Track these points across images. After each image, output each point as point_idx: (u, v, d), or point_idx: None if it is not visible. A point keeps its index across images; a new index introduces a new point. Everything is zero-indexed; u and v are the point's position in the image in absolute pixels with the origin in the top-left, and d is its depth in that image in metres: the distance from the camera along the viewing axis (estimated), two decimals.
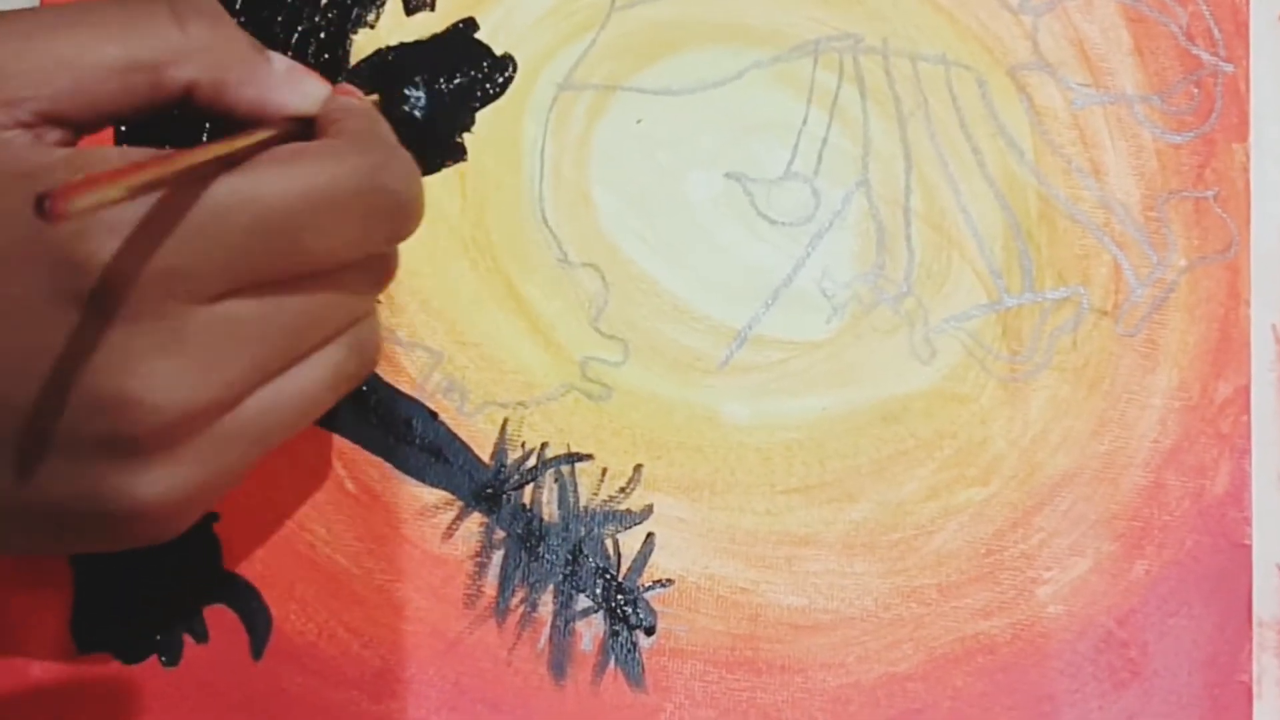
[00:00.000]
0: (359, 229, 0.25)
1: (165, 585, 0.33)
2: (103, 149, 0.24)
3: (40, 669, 0.32)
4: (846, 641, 0.34)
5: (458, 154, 0.35)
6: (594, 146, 0.36)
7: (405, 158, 0.26)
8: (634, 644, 0.33)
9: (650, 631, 0.33)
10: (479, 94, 0.36)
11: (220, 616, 0.33)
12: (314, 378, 0.26)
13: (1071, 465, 0.35)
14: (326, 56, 0.35)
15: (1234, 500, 0.35)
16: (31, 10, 0.25)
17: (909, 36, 0.37)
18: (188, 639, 0.33)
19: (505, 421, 0.34)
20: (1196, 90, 0.37)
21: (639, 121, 0.36)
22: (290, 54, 0.35)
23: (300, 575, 0.33)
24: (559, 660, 0.33)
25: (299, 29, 0.35)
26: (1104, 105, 0.37)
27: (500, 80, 0.36)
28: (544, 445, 0.34)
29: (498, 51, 0.36)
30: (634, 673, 0.33)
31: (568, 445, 0.34)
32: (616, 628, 0.33)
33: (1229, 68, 0.37)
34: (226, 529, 0.33)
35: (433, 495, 0.34)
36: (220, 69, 0.26)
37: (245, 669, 0.33)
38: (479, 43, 0.36)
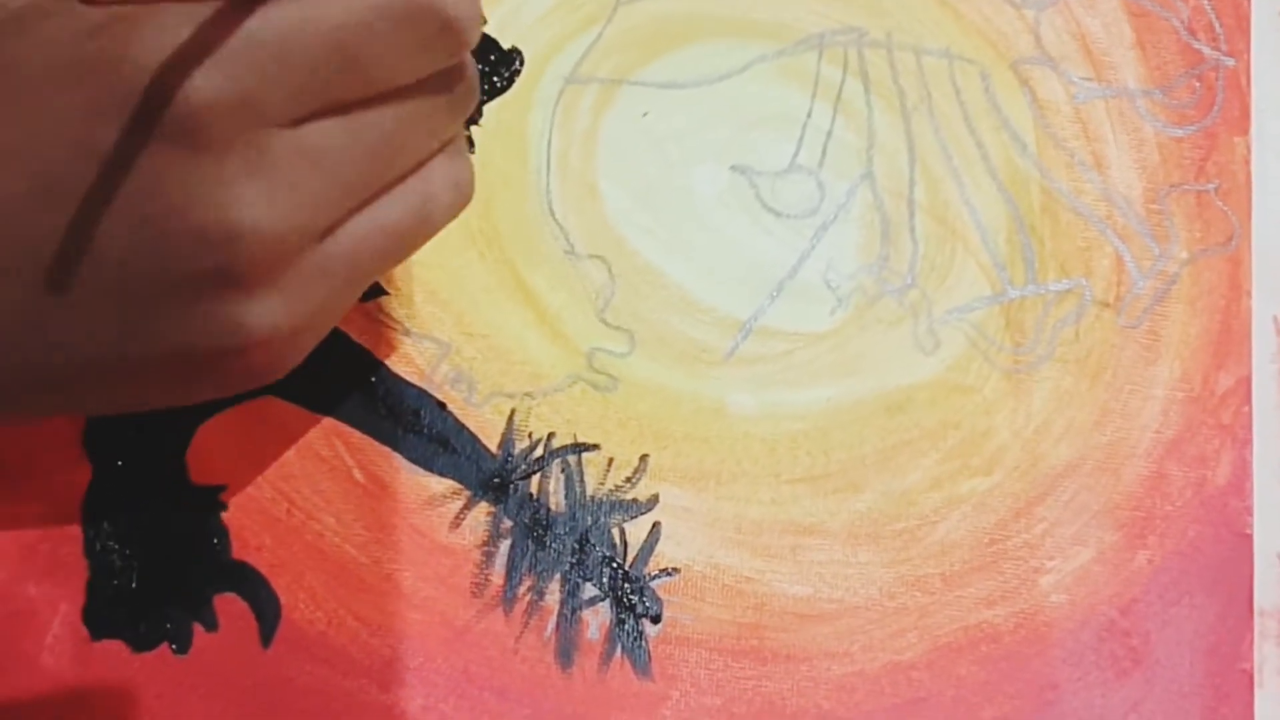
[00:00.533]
0: (423, 43, 0.25)
1: (176, 574, 0.33)
2: None
3: (54, 655, 0.33)
4: (851, 630, 0.34)
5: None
6: (600, 139, 0.36)
7: None
8: (640, 632, 0.34)
9: (656, 620, 0.34)
10: (486, 87, 0.36)
11: (230, 605, 0.33)
12: (408, 206, 0.27)
13: (1074, 456, 0.35)
14: None
15: (1235, 490, 0.35)
16: None
17: (913, 31, 0.37)
18: (198, 627, 0.33)
19: (513, 412, 0.34)
20: (1198, 84, 0.37)
21: (645, 115, 0.36)
22: None
23: (309, 564, 0.33)
24: (566, 648, 0.33)
25: None
26: (1106, 99, 0.37)
27: (507, 74, 0.36)
28: (551, 435, 0.34)
29: (505, 45, 0.36)
30: (640, 661, 0.33)
31: (574, 435, 0.35)
32: (623, 616, 0.34)
33: (1230, 61, 0.37)
34: (236, 519, 0.34)
35: (440, 485, 0.34)
36: None
37: (254, 657, 0.33)
38: (486, 36, 0.36)
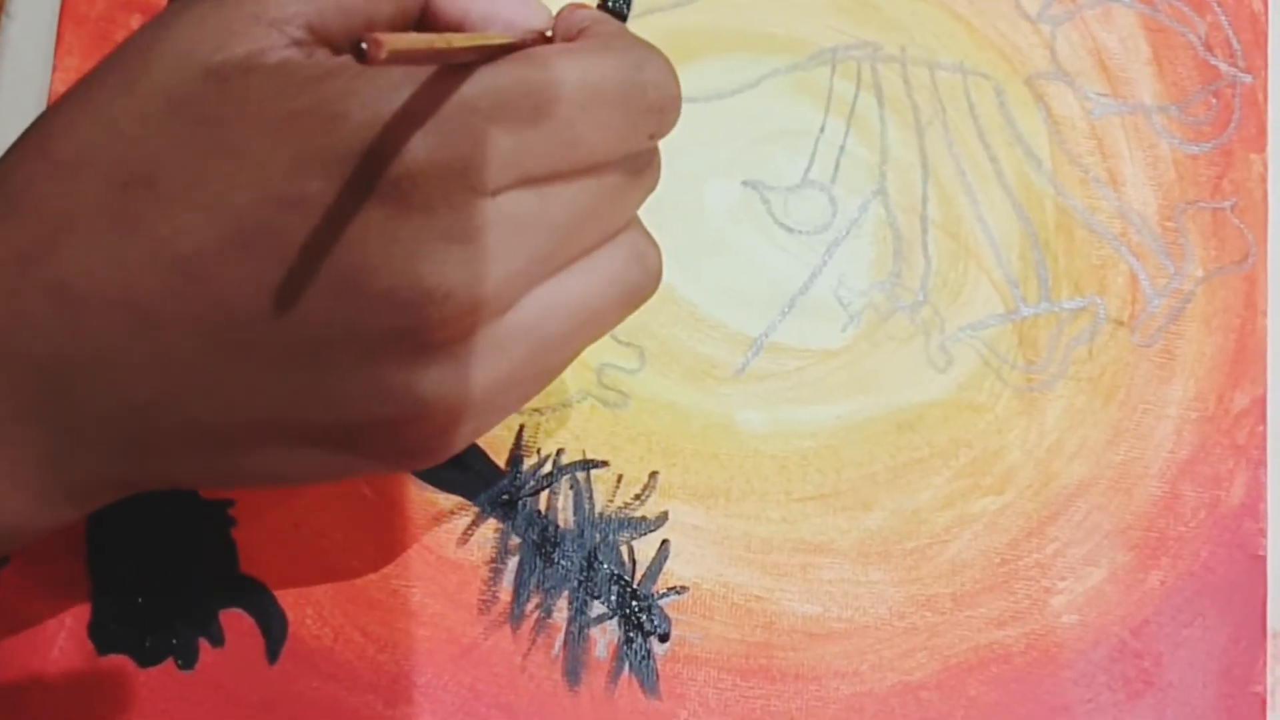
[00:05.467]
0: (627, 122, 0.25)
1: (182, 589, 0.33)
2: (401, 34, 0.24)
3: (58, 670, 0.32)
4: (861, 650, 0.34)
5: None
6: None
7: (663, 56, 0.27)
8: (648, 651, 0.33)
9: (664, 638, 0.34)
10: None
11: (236, 620, 0.33)
12: (593, 282, 0.26)
13: (1087, 475, 0.35)
14: None
15: (1249, 511, 0.35)
16: None
17: (927, 45, 0.37)
18: (204, 642, 0.33)
19: (521, 428, 0.34)
20: (1214, 100, 0.37)
21: None
22: None
23: (316, 579, 0.33)
24: (573, 667, 0.33)
25: None
26: (1122, 115, 0.37)
27: None
28: (560, 451, 0.34)
29: None
30: (648, 680, 0.33)
31: (583, 452, 0.34)
32: (631, 634, 0.33)
33: (1247, 78, 0.37)
34: (243, 533, 0.33)
35: (448, 501, 0.34)
36: None
37: (261, 672, 0.33)
38: None
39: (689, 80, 0.36)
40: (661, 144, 0.36)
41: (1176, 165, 0.37)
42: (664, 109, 0.26)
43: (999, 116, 0.37)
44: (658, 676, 0.33)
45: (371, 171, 0.22)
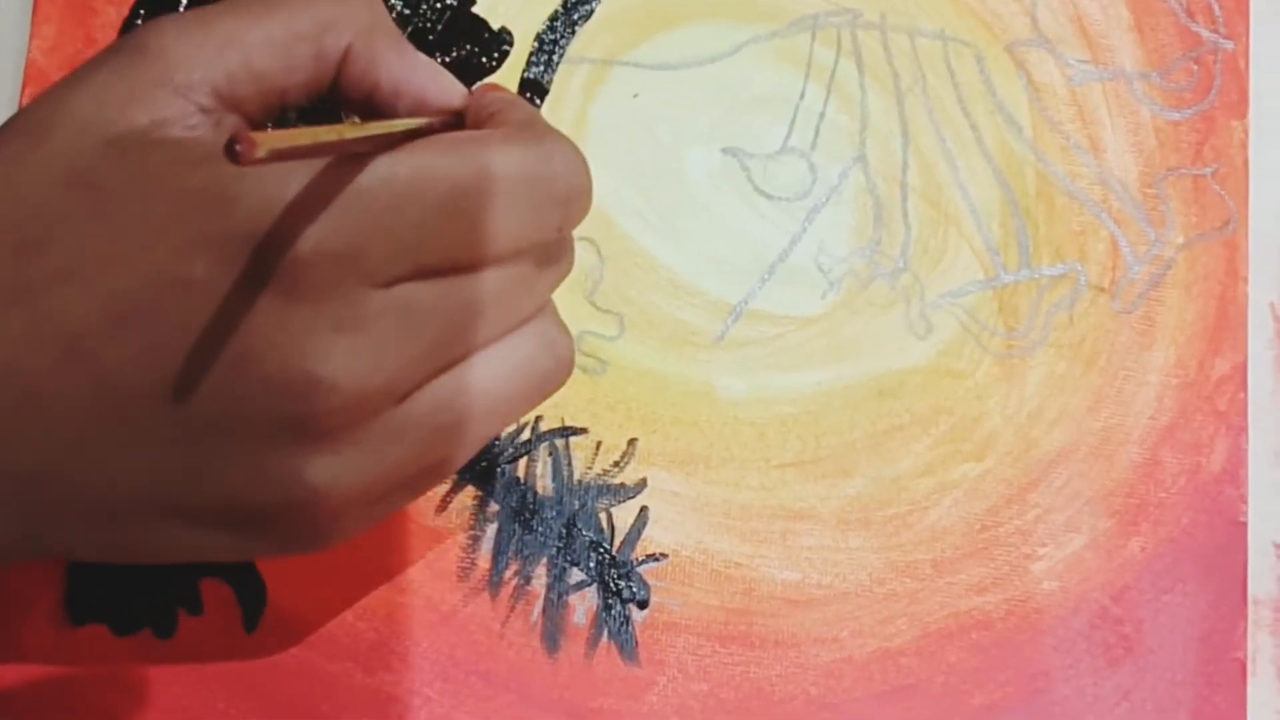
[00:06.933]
0: (532, 214, 0.25)
1: None
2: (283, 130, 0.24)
3: (34, 641, 0.32)
4: (840, 616, 0.34)
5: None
6: (591, 121, 0.36)
7: (573, 146, 0.26)
8: (627, 618, 0.33)
9: (643, 605, 0.33)
10: (476, 68, 0.36)
11: (214, 589, 0.33)
12: (499, 371, 0.26)
13: (1067, 442, 0.35)
14: None
15: (1230, 478, 0.35)
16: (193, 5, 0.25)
17: (907, 12, 0.37)
18: (181, 611, 0.33)
19: None
20: (1196, 67, 0.37)
21: (636, 96, 0.36)
22: None
23: None
24: (552, 633, 0.33)
25: None
26: (1103, 82, 0.37)
27: (497, 55, 0.36)
28: (538, 419, 0.34)
29: (495, 25, 0.36)
30: (627, 646, 0.33)
31: (562, 419, 0.34)
32: (610, 601, 0.33)
33: (1229, 45, 0.37)
34: None
35: None
36: (373, 36, 0.26)
37: (239, 641, 0.33)
38: (476, 17, 0.36)
39: (669, 47, 0.36)
40: (642, 111, 0.36)
41: (1157, 132, 0.37)
42: (570, 200, 0.26)
43: (979, 84, 0.36)
44: (636, 643, 0.33)
45: (262, 257, 0.22)
